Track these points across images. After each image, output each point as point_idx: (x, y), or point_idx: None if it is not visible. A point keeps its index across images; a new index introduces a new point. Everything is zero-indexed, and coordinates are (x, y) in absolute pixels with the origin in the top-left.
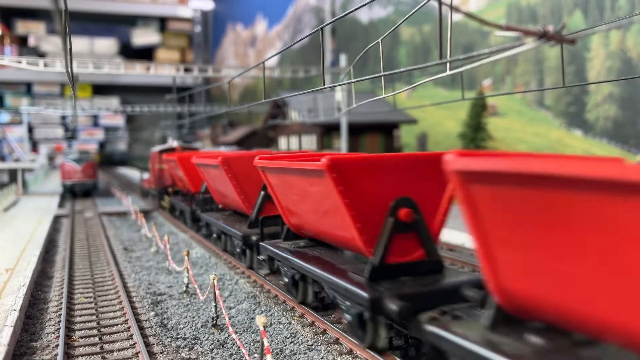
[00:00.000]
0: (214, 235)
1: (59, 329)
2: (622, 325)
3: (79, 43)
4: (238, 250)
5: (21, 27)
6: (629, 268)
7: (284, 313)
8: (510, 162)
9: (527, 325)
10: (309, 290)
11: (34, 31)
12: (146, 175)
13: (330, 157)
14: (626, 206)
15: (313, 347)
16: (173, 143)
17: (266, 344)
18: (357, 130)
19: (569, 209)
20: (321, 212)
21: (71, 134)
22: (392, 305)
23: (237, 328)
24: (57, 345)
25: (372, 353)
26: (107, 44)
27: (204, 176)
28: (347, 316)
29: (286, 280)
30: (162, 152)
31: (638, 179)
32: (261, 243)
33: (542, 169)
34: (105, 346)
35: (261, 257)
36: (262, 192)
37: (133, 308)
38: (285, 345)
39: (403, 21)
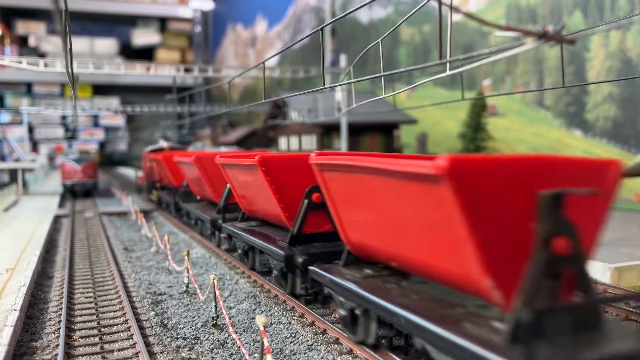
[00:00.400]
0: (192, 221)
1: (59, 328)
2: (406, 259)
3: (79, 43)
4: (208, 232)
5: (21, 27)
6: (402, 222)
7: (284, 313)
8: (339, 157)
9: (368, 263)
10: (257, 259)
11: (34, 31)
12: (140, 173)
13: (261, 156)
14: (392, 184)
15: (313, 347)
16: (163, 144)
17: (266, 343)
18: (357, 130)
19: (367, 187)
20: (262, 198)
21: (71, 134)
22: (299, 259)
23: (237, 328)
24: (57, 345)
25: (371, 352)
26: (107, 44)
27: (184, 172)
28: (275, 272)
29: (239, 251)
30: (152, 151)
31: (391, 167)
32: (223, 224)
33: (352, 161)
34: (106, 346)
35: (223, 235)
36: (227, 185)
37: (133, 308)
38: (285, 345)
39: (403, 21)
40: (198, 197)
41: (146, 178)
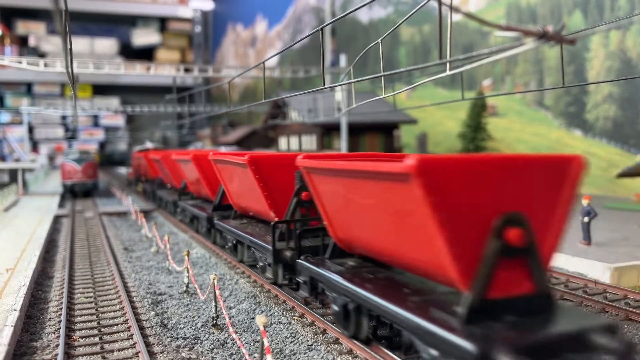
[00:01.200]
0: (163, 204)
1: (59, 328)
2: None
3: (79, 43)
4: (167, 210)
5: (21, 27)
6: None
7: (284, 313)
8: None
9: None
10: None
11: (34, 31)
12: (130, 170)
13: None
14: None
15: (313, 346)
16: (148, 145)
17: (266, 343)
18: (357, 130)
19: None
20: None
21: (71, 134)
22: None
23: (237, 328)
24: (57, 345)
25: (371, 352)
26: (107, 44)
27: (159, 167)
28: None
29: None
30: (139, 151)
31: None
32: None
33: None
34: (106, 346)
35: (179, 210)
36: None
37: (133, 308)
38: (285, 345)
39: (403, 21)
40: (169, 186)
41: (134, 173)
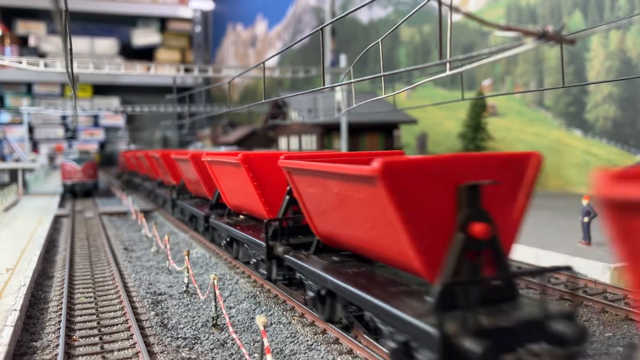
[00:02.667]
0: (132, 185)
1: (59, 328)
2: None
3: (79, 43)
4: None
5: (21, 27)
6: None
7: (284, 313)
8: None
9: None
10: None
11: (34, 31)
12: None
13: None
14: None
15: (313, 346)
16: (132, 147)
17: (266, 343)
18: (357, 130)
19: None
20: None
21: (71, 134)
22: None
23: (237, 328)
24: (57, 345)
25: (371, 352)
26: (107, 44)
27: (138, 162)
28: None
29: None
30: (124, 151)
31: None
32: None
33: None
34: (106, 346)
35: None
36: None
37: (133, 308)
38: (285, 345)
39: (403, 21)
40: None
41: (121, 169)
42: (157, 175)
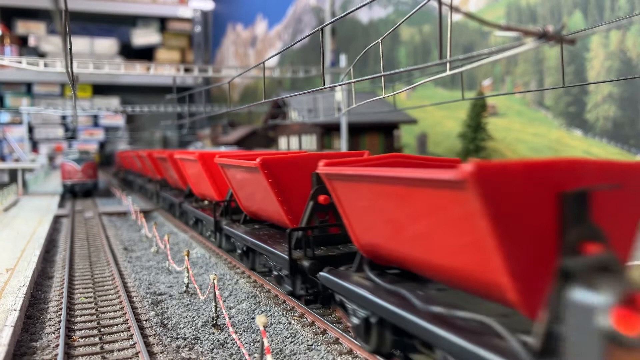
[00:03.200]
0: (127, 180)
1: (59, 329)
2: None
3: (79, 43)
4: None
5: (21, 27)
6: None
7: (284, 313)
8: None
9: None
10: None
11: (34, 31)
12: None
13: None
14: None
15: (313, 347)
16: (127, 147)
17: (266, 343)
18: (357, 130)
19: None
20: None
21: (71, 134)
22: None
23: (237, 328)
24: (57, 345)
25: (372, 352)
26: (107, 44)
27: (130, 161)
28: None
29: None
30: (121, 152)
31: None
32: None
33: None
34: (106, 346)
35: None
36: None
37: (133, 308)
38: (285, 345)
39: (403, 21)
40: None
41: (117, 166)
42: (147, 172)
